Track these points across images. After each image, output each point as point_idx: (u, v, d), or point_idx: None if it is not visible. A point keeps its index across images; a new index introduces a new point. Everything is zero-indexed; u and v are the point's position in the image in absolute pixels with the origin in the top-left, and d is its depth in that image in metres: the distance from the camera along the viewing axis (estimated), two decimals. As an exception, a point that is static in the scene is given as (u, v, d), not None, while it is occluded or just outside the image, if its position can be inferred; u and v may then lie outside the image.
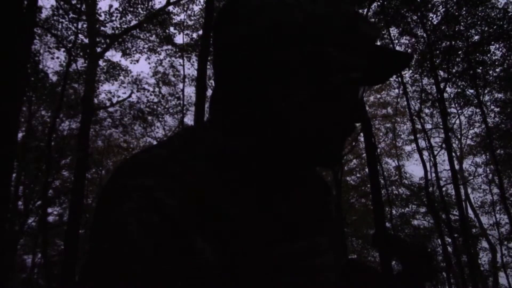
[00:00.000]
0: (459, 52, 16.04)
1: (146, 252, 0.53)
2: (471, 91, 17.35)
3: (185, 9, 18.31)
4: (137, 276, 0.53)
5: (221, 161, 0.65)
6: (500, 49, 16.28)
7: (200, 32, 15.62)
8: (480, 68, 16.26)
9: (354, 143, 21.59)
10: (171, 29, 17.59)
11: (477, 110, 18.88)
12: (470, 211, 22.16)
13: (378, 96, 23.04)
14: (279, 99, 0.65)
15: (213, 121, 0.72)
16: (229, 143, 0.67)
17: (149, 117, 18.65)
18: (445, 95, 16.70)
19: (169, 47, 18.27)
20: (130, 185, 0.57)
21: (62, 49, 14.02)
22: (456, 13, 15.46)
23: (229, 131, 0.68)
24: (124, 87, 17.88)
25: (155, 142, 19.65)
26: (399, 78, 16.80)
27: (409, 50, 17.09)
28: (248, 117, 0.67)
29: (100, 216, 0.58)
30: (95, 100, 16.34)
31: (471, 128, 21.89)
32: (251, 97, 0.66)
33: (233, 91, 0.68)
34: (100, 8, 21.83)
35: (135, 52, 17.26)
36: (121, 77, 17.36)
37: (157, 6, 16.40)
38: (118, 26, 15.33)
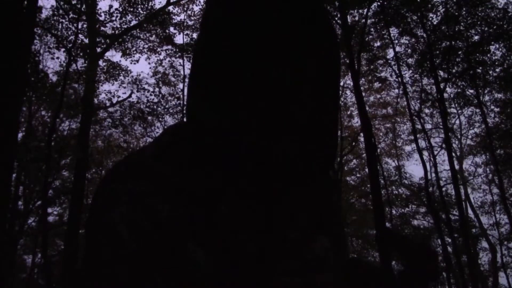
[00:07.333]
0: (459, 52, 16.03)
1: (137, 258, 0.54)
2: (471, 91, 17.35)
3: (185, 9, 18.30)
4: (129, 282, 0.53)
5: (209, 160, 0.65)
6: (500, 49, 16.29)
7: (200, 32, 15.58)
8: (480, 68, 16.25)
9: (354, 143, 21.59)
10: (171, 29, 17.61)
11: (477, 110, 18.88)
12: (470, 211, 22.15)
13: (378, 96, 23.02)
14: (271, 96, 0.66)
15: (196, 117, 0.72)
16: (216, 142, 0.67)
17: (149, 117, 18.63)
18: (445, 95, 16.70)
19: (169, 47, 18.27)
20: (120, 189, 0.57)
21: (62, 49, 14.03)
22: (456, 13, 15.45)
23: (214, 128, 0.68)
24: (124, 87, 17.82)
25: (155, 142, 19.59)
26: (399, 78, 16.80)
27: (409, 50, 17.09)
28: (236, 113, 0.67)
29: (92, 220, 0.58)
30: (95, 100, 16.33)
31: (471, 128, 21.90)
32: (237, 93, 0.67)
33: (218, 84, 0.68)
34: (100, 8, 21.78)
35: (135, 52, 17.27)
36: (121, 77, 17.37)
37: (157, 6, 16.34)
38: (118, 26, 15.35)
